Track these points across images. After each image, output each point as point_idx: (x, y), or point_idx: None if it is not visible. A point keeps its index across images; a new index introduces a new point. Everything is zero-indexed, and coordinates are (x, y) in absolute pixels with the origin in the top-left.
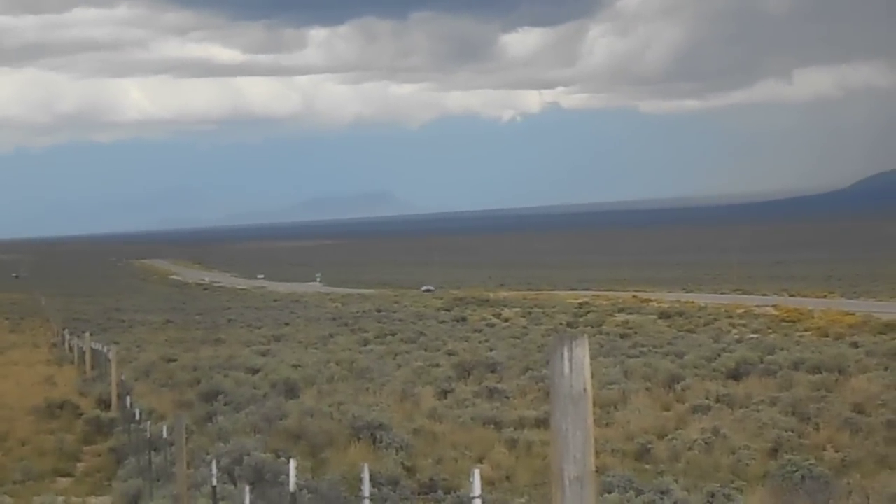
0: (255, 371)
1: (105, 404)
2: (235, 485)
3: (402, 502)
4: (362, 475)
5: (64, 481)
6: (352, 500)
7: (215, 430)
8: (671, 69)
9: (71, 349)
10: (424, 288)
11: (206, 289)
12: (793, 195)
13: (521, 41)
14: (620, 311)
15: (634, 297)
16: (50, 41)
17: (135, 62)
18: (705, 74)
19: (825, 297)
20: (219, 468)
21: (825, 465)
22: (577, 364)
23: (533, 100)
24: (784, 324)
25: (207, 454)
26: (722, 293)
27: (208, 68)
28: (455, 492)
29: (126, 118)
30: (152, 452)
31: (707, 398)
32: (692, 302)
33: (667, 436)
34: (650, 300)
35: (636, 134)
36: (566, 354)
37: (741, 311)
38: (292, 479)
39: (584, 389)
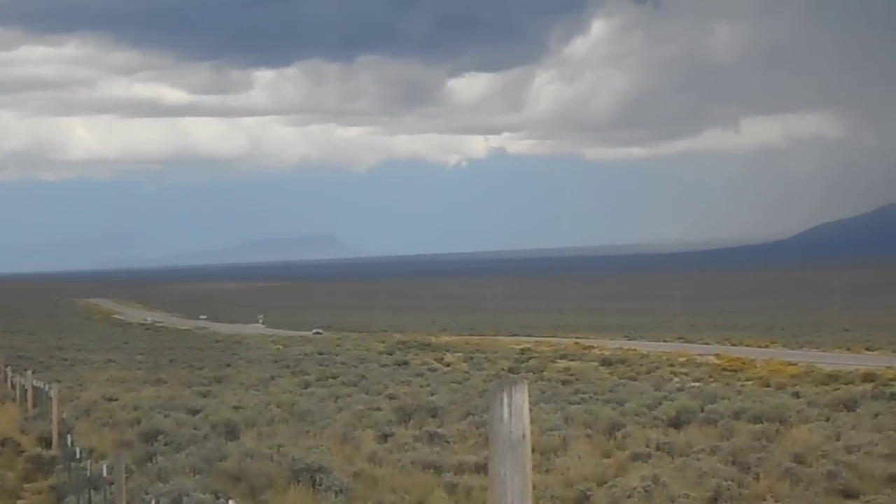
0: (196, 412)
1: (46, 442)
2: None
3: None
4: None
5: None
6: None
7: (155, 470)
8: (617, 117)
9: (13, 387)
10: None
11: (148, 329)
12: (737, 244)
13: (468, 86)
14: (562, 357)
15: (577, 343)
16: None
17: (82, 101)
18: (651, 122)
19: (767, 346)
20: None
21: None
22: (517, 410)
23: (479, 145)
24: (726, 373)
25: (147, 494)
26: (664, 341)
27: (155, 108)
28: None
29: (72, 157)
30: (92, 491)
31: (647, 446)
32: (634, 349)
33: (606, 483)
34: (592, 347)
35: (581, 181)
36: (506, 400)
37: (683, 359)
38: None
39: (523, 435)
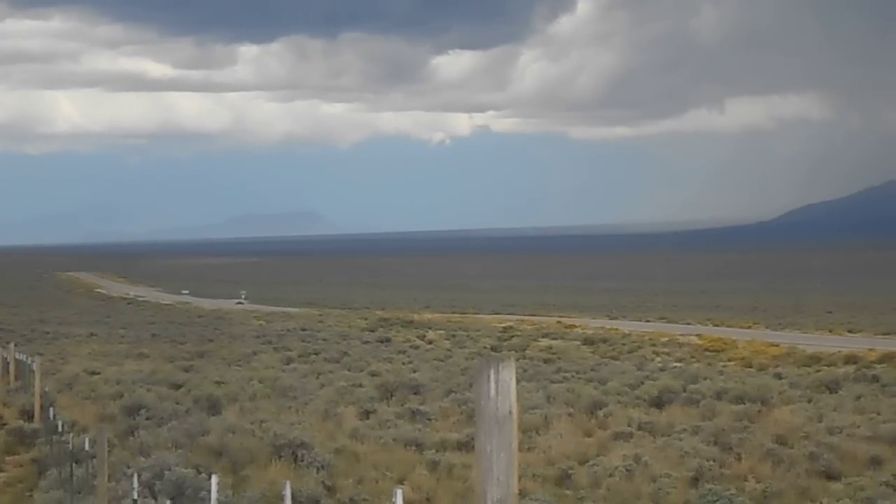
0: (178, 386)
1: (28, 415)
2: (156, 499)
3: None
4: (284, 493)
5: None
6: None
7: (137, 445)
8: (602, 96)
9: None
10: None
11: (130, 303)
12: (720, 225)
13: (453, 63)
14: (545, 336)
15: (559, 322)
16: None
17: (66, 74)
18: (637, 102)
19: (750, 327)
20: (140, 482)
21: (746, 496)
22: (504, 387)
23: (463, 123)
24: (708, 353)
25: (129, 468)
26: (647, 321)
27: (139, 82)
28: None
29: (56, 130)
30: (74, 464)
31: (629, 425)
32: (616, 329)
33: (588, 462)
34: (575, 326)
35: (565, 160)
36: (493, 377)
37: (665, 339)
38: (214, 495)
39: (510, 412)
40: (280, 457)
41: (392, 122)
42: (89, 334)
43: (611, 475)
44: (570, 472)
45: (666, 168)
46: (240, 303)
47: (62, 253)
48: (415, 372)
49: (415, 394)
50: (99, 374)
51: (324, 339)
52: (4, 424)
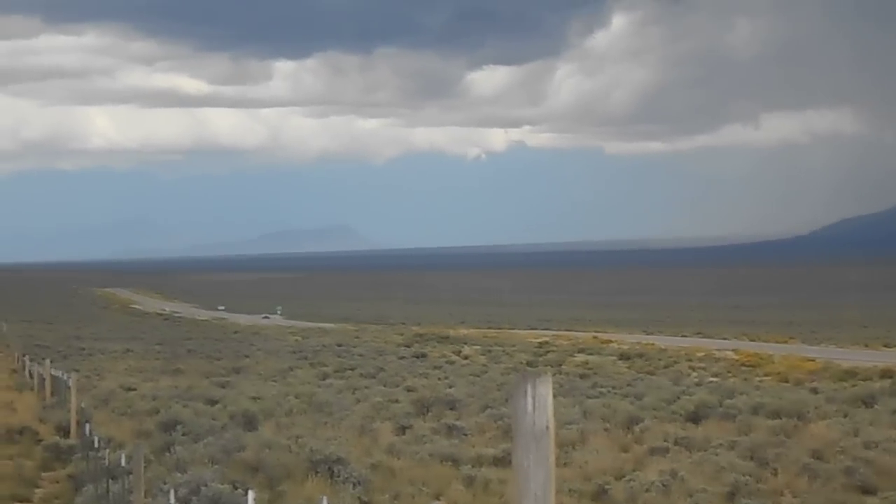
0: (214, 402)
1: (64, 431)
2: None
3: None
4: None
5: None
6: None
7: (173, 460)
8: (637, 111)
9: (31, 376)
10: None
11: (166, 319)
12: (756, 240)
13: (488, 79)
14: (580, 351)
15: (595, 337)
16: (17, 67)
17: (101, 90)
18: (671, 117)
19: (786, 342)
20: (176, 498)
21: None
22: (541, 402)
23: (498, 138)
24: (744, 368)
25: (165, 484)
26: (682, 336)
27: (174, 98)
28: None
29: (91, 146)
30: (110, 480)
31: (665, 440)
32: (652, 344)
33: (624, 477)
34: (610, 341)
35: (600, 175)
36: (529, 392)
37: (701, 354)
38: None
39: (547, 427)
40: (316, 472)
41: (427, 137)
42: (125, 350)
43: (647, 490)
44: (607, 487)
45: (701, 183)
46: (266, 317)
47: (97, 269)
48: (451, 387)
49: (451, 409)
50: (135, 389)
51: (360, 355)
52: (41, 440)
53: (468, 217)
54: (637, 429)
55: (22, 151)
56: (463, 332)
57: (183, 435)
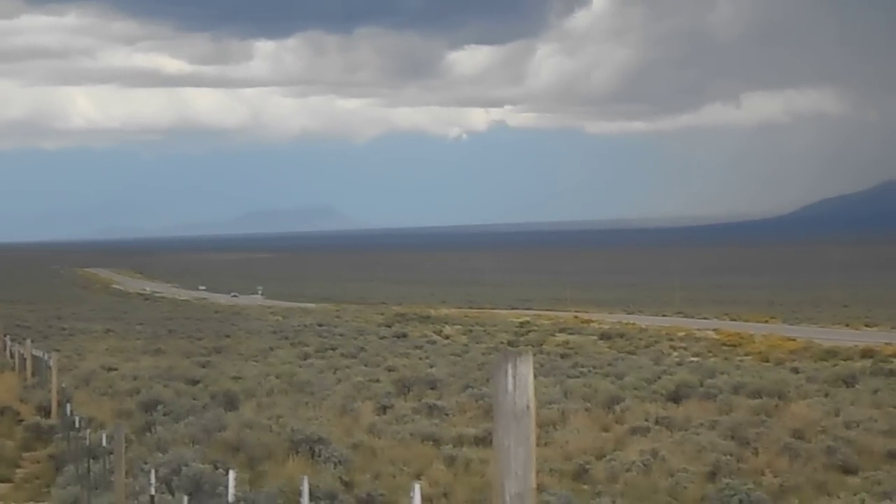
0: (195, 382)
1: (45, 411)
2: (173, 495)
3: None
4: (301, 488)
5: (2, 487)
6: None
7: (154, 440)
8: (619, 91)
9: (12, 356)
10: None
11: (147, 299)
12: (737, 219)
13: (468, 59)
14: (561, 331)
15: (576, 317)
16: None
17: (82, 70)
18: (653, 97)
19: (766, 322)
20: (157, 478)
21: (763, 490)
22: (521, 381)
23: (480, 118)
24: (725, 348)
25: (146, 464)
26: (663, 316)
27: (155, 78)
28: None
29: (73, 126)
30: (91, 460)
31: (646, 420)
32: (633, 324)
33: (605, 456)
34: (591, 321)
35: (582, 155)
36: (510, 371)
37: (682, 333)
38: (231, 491)
39: (528, 406)
40: (297, 452)
41: (408, 117)
42: (106, 330)
43: (628, 470)
44: (588, 466)
45: (682, 163)
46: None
47: (78, 249)
48: (431, 367)
49: (432, 389)
50: (116, 370)
51: (341, 335)
52: (21, 421)
53: (449, 197)
54: (618, 408)
55: (4, 131)
56: (444, 311)
57: (164, 415)
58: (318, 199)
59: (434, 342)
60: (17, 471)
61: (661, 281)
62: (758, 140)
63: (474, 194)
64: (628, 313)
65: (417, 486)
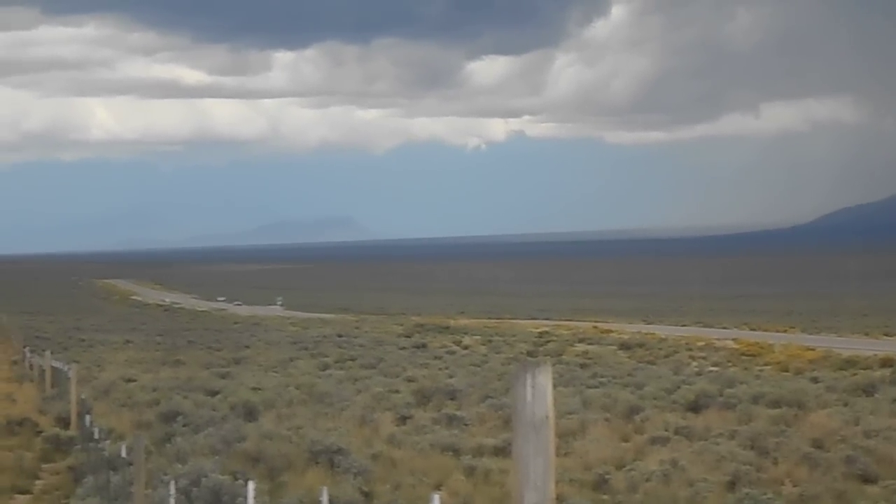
0: (215, 393)
1: (64, 423)
2: None
3: None
4: (321, 499)
5: (22, 498)
6: None
7: (174, 451)
8: (638, 101)
9: (31, 367)
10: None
11: (166, 310)
12: (756, 229)
13: (487, 69)
14: (581, 341)
15: (595, 327)
16: (17, 58)
17: (101, 81)
18: (672, 107)
19: (786, 331)
20: (177, 489)
21: (783, 500)
22: (540, 391)
23: (498, 128)
24: (744, 357)
25: (166, 475)
26: (683, 325)
27: (174, 89)
28: None
29: (91, 137)
30: (111, 472)
31: (666, 430)
32: (653, 333)
33: (625, 467)
34: (611, 331)
35: (601, 164)
36: (529, 381)
37: (701, 343)
38: (250, 502)
39: (547, 417)
40: (317, 463)
41: (427, 127)
42: (125, 341)
43: (648, 480)
44: (607, 476)
45: (701, 172)
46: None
47: (97, 260)
48: (451, 377)
49: (451, 399)
50: (135, 381)
51: (360, 345)
52: (41, 432)
53: (468, 207)
54: (637, 418)
55: (22, 143)
56: (463, 322)
57: (183, 426)
58: (336, 210)
59: (453, 352)
60: (37, 482)
61: (680, 291)
62: (776, 149)
63: (493, 204)
64: (647, 323)
65: (437, 497)
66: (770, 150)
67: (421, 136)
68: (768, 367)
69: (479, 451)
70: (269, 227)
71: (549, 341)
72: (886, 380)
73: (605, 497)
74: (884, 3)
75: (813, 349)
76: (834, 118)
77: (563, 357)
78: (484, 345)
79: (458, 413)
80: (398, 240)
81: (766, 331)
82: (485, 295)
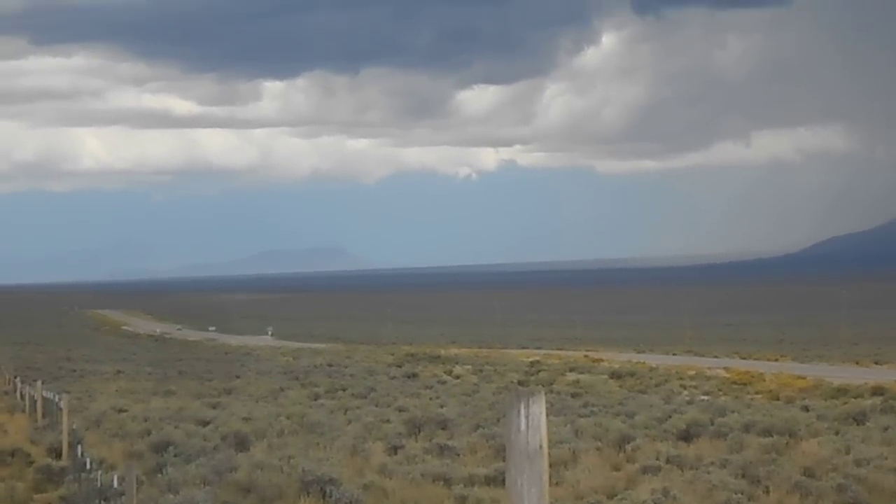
0: (206, 423)
1: (56, 453)
2: None
3: None
4: None
5: None
6: None
7: (165, 482)
8: (629, 130)
9: (22, 397)
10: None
11: (157, 340)
12: (746, 258)
13: (477, 98)
14: (572, 370)
15: (586, 356)
16: (6, 88)
17: (91, 111)
18: (663, 136)
19: (777, 360)
20: None
21: None
22: (534, 421)
23: (489, 157)
24: (735, 386)
25: None
26: (674, 354)
27: (164, 119)
28: None
29: (82, 167)
30: (103, 502)
31: (657, 459)
32: (644, 362)
33: (616, 496)
34: (602, 360)
35: (592, 194)
36: (523, 411)
37: (692, 372)
38: None
39: (541, 446)
40: (308, 493)
41: (418, 157)
42: (116, 371)
43: None
44: None
45: (693, 201)
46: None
47: (89, 290)
48: (442, 407)
49: (442, 429)
50: (126, 411)
51: (351, 375)
52: (32, 462)
53: (459, 237)
54: (629, 447)
55: (13, 173)
56: (454, 351)
57: (175, 456)
58: (327, 240)
59: (444, 382)
60: None
61: (671, 319)
62: (767, 178)
63: (484, 234)
64: (638, 352)
65: None
66: (761, 179)
67: (412, 166)
68: (759, 396)
69: (470, 481)
70: (260, 257)
71: (540, 370)
72: (877, 408)
73: None
74: (875, 31)
75: (804, 378)
76: (825, 147)
77: (555, 386)
78: (475, 374)
79: (449, 443)
80: (389, 269)
81: (757, 359)
82: (476, 324)
